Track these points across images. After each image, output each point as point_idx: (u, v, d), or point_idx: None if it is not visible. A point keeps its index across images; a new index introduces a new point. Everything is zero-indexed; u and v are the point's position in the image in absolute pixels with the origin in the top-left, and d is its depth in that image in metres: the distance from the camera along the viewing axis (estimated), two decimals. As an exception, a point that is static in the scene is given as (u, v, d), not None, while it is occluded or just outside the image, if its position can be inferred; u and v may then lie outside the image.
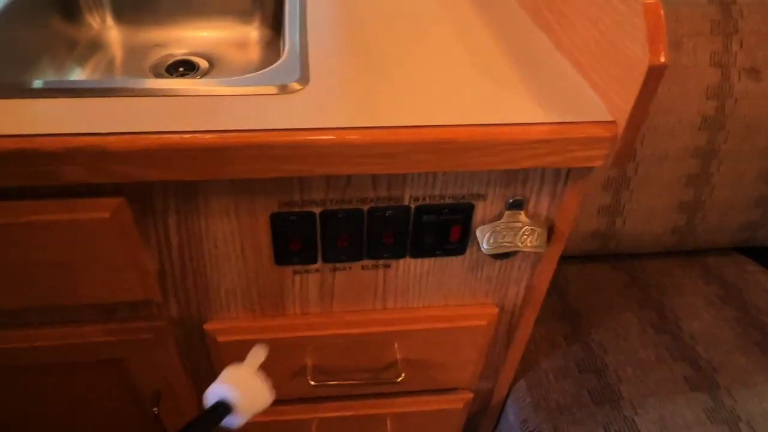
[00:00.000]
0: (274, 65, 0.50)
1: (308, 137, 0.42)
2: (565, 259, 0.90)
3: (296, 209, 0.49)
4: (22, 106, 0.43)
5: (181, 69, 0.72)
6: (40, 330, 0.57)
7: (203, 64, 0.73)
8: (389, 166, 0.44)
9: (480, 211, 0.52)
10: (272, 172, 0.43)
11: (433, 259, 0.56)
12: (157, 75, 0.70)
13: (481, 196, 0.51)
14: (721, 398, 0.69)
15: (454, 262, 0.56)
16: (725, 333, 0.78)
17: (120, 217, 0.46)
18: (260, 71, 0.49)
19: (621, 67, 0.44)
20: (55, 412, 0.67)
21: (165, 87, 0.46)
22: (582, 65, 0.50)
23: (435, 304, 0.60)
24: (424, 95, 0.47)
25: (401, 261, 0.55)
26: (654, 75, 0.41)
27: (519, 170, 0.50)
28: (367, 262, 0.55)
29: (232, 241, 0.51)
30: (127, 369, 0.60)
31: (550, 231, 0.54)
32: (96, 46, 0.73)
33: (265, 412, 0.69)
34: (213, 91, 0.46)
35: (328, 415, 0.71)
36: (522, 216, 0.52)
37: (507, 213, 0.52)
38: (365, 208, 0.50)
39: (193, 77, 0.71)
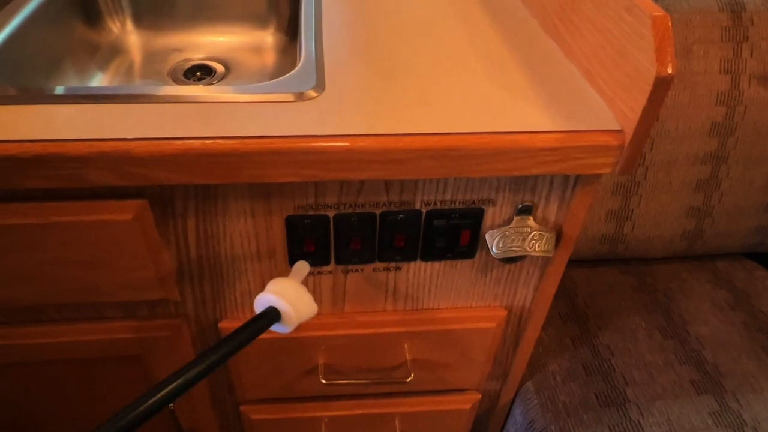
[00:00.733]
0: (290, 73, 0.51)
1: (323, 144, 0.44)
2: (573, 262, 0.91)
3: (311, 212, 0.51)
4: (50, 112, 0.45)
5: (198, 73, 0.74)
6: (62, 326, 0.58)
7: (220, 68, 0.74)
8: (401, 172, 0.46)
9: (490, 215, 0.53)
10: (289, 176, 0.45)
11: (443, 262, 0.57)
12: (175, 79, 0.72)
13: (491, 202, 0.52)
14: (728, 402, 0.70)
15: (463, 266, 0.58)
16: (733, 338, 0.79)
17: (141, 218, 0.48)
18: (277, 79, 0.50)
19: (629, 76, 0.45)
20: (74, 407, 0.69)
21: (187, 94, 0.48)
22: (591, 74, 0.51)
23: (445, 306, 0.62)
24: (436, 102, 0.48)
25: (412, 264, 0.57)
26: (661, 86, 0.42)
27: (528, 176, 0.51)
28: (378, 264, 0.56)
29: (248, 243, 0.53)
30: (145, 365, 0.62)
31: (559, 236, 0.55)
32: (116, 50, 0.75)
33: (277, 410, 0.71)
34: (233, 98, 0.48)
35: (338, 413, 0.72)
36: (531, 221, 0.54)
37: (516, 218, 0.53)
38: (378, 212, 0.52)
39: (210, 82, 0.72)
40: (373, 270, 0.57)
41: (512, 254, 0.54)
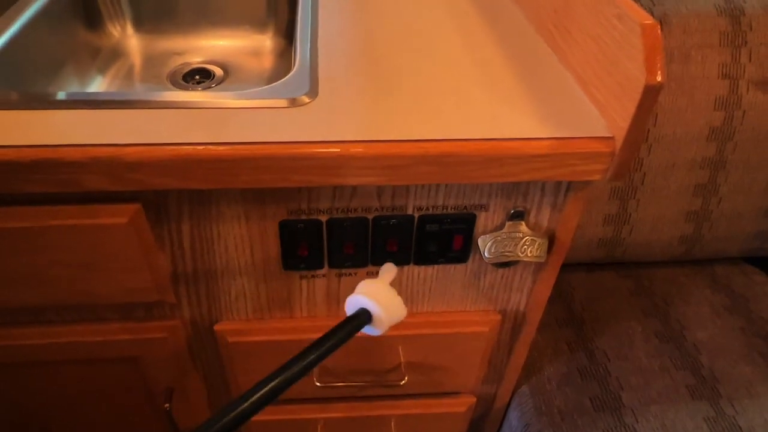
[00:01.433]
0: (284, 79, 0.52)
1: (315, 150, 0.44)
2: (570, 266, 0.91)
3: (304, 217, 0.51)
4: (47, 117, 0.46)
5: (197, 77, 0.74)
6: (60, 327, 0.59)
7: (218, 72, 0.75)
8: (393, 178, 0.46)
9: (482, 221, 0.54)
10: (281, 182, 0.45)
11: (436, 266, 0.57)
12: (174, 83, 0.73)
13: (483, 207, 0.53)
14: (723, 408, 0.70)
15: (456, 270, 0.58)
16: (730, 343, 0.79)
17: (136, 222, 0.48)
18: (271, 85, 0.51)
19: (619, 84, 0.45)
20: (72, 407, 0.70)
21: (181, 99, 0.48)
22: (584, 80, 0.52)
23: (438, 310, 0.62)
24: (429, 109, 0.49)
25: (405, 268, 0.57)
26: (650, 94, 0.42)
27: (520, 182, 0.51)
28: (372, 268, 0.57)
29: (242, 247, 0.53)
30: (141, 366, 0.63)
31: (551, 241, 0.55)
32: (117, 53, 0.76)
33: (273, 411, 0.72)
34: (227, 104, 0.48)
35: (334, 415, 0.73)
36: (523, 226, 0.54)
37: (508, 223, 0.54)
38: (370, 216, 0.52)
39: (209, 85, 0.73)
40: (367, 274, 0.57)
41: (504, 259, 0.54)
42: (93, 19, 0.75)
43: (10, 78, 0.57)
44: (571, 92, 0.52)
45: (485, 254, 0.54)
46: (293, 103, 0.49)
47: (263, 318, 0.60)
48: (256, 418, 0.72)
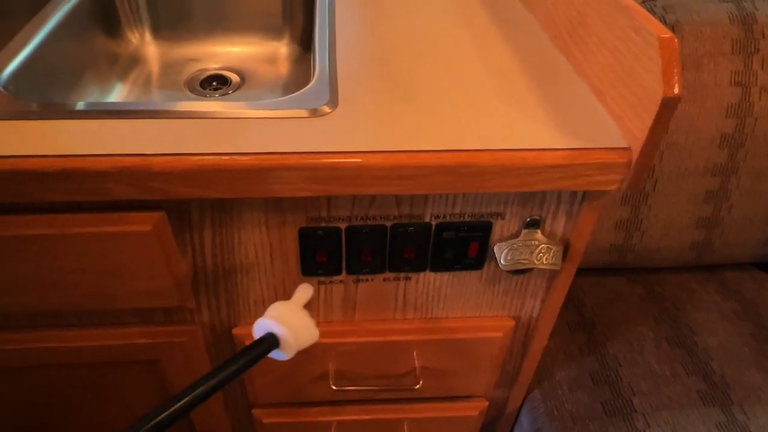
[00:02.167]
0: (304, 89, 0.52)
1: (336, 160, 0.45)
2: (582, 271, 0.91)
3: (323, 224, 0.52)
4: (73, 127, 0.47)
5: (214, 83, 0.75)
6: (81, 331, 0.60)
7: (235, 78, 0.76)
8: (411, 188, 0.47)
9: (498, 229, 0.54)
10: (302, 191, 0.46)
11: (452, 273, 0.58)
12: (192, 89, 0.74)
13: (500, 215, 0.53)
14: (734, 414, 0.70)
15: (472, 276, 0.59)
16: (741, 349, 0.79)
17: (160, 229, 0.49)
18: (292, 95, 0.52)
19: (636, 96, 0.46)
20: (91, 410, 0.71)
21: (204, 110, 0.49)
22: (599, 91, 0.52)
23: (453, 316, 0.63)
24: (447, 119, 0.49)
25: (422, 274, 0.58)
26: (668, 106, 0.43)
27: (536, 192, 0.52)
28: (389, 274, 0.58)
29: (262, 253, 0.54)
30: (160, 370, 0.64)
31: (566, 249, 0.56)
32: (135, 60, 0.77)
33: (288, 414, 0.73)
34: (249, 114, 0.49)
35: (348, 417, 0.74)
36: (539, 234, 0.55)
37: (524, 231, 0.54)
38: (388, 224, 0.53)
39: (226, 92, 0.74)
40: (384, 280, 0.58)
41: (520, 267, 0.55)
42: (112, 27, 0.76)
43: (33, 87, 0.58)
44: (587, 102, 0.52)
45: (501, 262, 0.54)
46: (314, 113, 0.49)
47: (280, 323, 0.61)
48: (269, 420, 0.73)
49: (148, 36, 0.78)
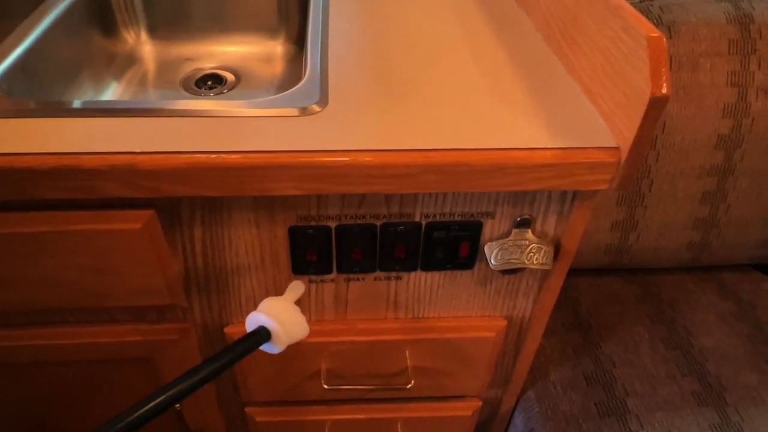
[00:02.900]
0: (295, 87, 0.53)
1: (325, 159, 0.45)
2: (577, 271, 0.91)
3: (313, 223, 0.52)
4: (65, 125, 0.47)
5: (209, 82, 0.76)
6: (75, 328, 0.61)
7: (230, 78, 0.76)
8: (401, 186, 0.47)
9: (488, 228, 0.54)
10: (291, 190, 0.46)
11: (443, 272, 0.58)
12: (187, 88, 0.74)
13: (490, 215, 0.53)
14: (729, 415, 0.70)
15: (463, 276, 0.59)
16: (737, 350, 0.79)
17: (150, 227, 0.50)
18: (282, 93, 0.52)
19: (626, 95, 0.46)
20: (85, 406, 0.72)
21: (194, 108, 0.49)
22: (591, 90, 0.52)
23: (445, 315, 0.63)
24: (437, 118, 0.50)
25: (412, 274, 0.58)
26: (656, 106, 0.42)
27: (527, 191, 0.52)
28: (379, 273, 0.58)
29: (252, 251, 0.54)
30: (153, 367, 0.64)
31: (557, 249, 0.56)
32: (131, 60, 0.77)
33: (281, 413, 0.73)
34: (239, 113, 0.49)
35: (341, 417, 0.74)
36: (529, 234, 0.55)
37: (515, 231, 0.54)
38: (378, 223, 0.53)
39: (221, 91, 0.74)
40: (375, 279, 0.58)
41: (510, 266, 0.55)
42: (108, 26, 0.76)
43: (28, 85, 0.58)
44: (578, 102, 0.52)
45: (492, 261, 0.54)
46: (304, 112, 0.50)
47: (272, 321, 0.62)
48: (262, 419, 0.73)
49: (144, 35, 0.79)
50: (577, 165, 0.47)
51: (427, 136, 0.47)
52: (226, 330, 0.61)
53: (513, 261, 0.55)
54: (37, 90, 0.60)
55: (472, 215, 0.53)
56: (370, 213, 0.52)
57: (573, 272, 0.91)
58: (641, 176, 0.80)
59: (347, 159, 0.45)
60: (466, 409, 0.74)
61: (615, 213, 0.83)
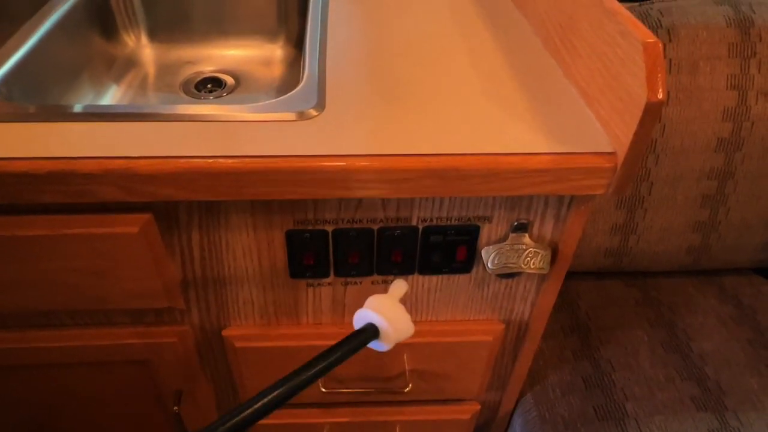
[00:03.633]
0: (293, 92, 0.53)
1: (321, 163, 0.45)
2: (577, 274, 0.91)
3: (310, 227, 0.53)
4: (63, 130, 0.47)
5: (209, 86, 0.76)
6: (73, 331, 0.61)
7: (230, 81, 0.77)
8: (397, 191, 0.47)
9: (485, 232, 0.54)
10: (288, 194, 0.47)
11: (440, 276, 0.58)
12: (187, 91, 0.75)
13: (487, 219, 0.53)
14: (728, 420, 0.70)
15: (460, 280, 0.59)
16: (736, 354, 0.78)
17: (147, 231, 0.50)
18: (280, 98, 0.52)
19: (622, 100, 0.46)
20: (83, 409, 0.72)
21: (192, 112, 0.50)
22: (588, 95, 0.52)
23: (442, 319, 0.63)
24: (434, 123, 0.50)
25: (410, 277, 0.58)
26: (652, 111, 0.42)
27: (523, 195, 0.52)
28: (377, 277, 0.58)
29: (250, 255, 0.55)
30: (151, 369, 0.65)
31: (554, 253, 0.56)
32: (131, 63, 0.78)
33: (279, 415, 0.73)
34: (236, 117, 0.49)
35: (340, 419, 0.74)
36: (526, 238, 0.54)
37: (512, 235, 0.54)
38: (375, 227, 0.53)
39: (220, 94, 0.75)
40: (372, 283, 0.58)
41: (508, 270, 0.55)
42: (108, 29, 0.77)
43: (27, 89, 0.58)
44: (575, 106, 0.52)
45: (489, 265, 0.54)
46: (301, 116, 0.50)
47: (270, 324, 0.62)
48: (262, 420, 0.73)
49: (144, 38, 0.79)
50: (573, 170, 0.47)
51: (423, 140, 0.48)
52: (224, 333, 0.61)
53: (510, 265, 0.55)
54: (36, 93, 0.60)
55: (469, 219, 0.53)
56: (367, 217, 0.52)
57: (572, 275, 0.91)
58: (641, 179, 0.80)
59: (344, 164, 0.46)
60: (465, 413, 0.74)
61: (614, 216, 0.83)
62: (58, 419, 0.73)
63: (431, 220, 0.53)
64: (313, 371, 0.42)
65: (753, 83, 0.77)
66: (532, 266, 0.54)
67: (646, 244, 0.85)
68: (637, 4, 0.80)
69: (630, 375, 0.76)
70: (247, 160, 0.45)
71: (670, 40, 0.75)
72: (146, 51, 0.79)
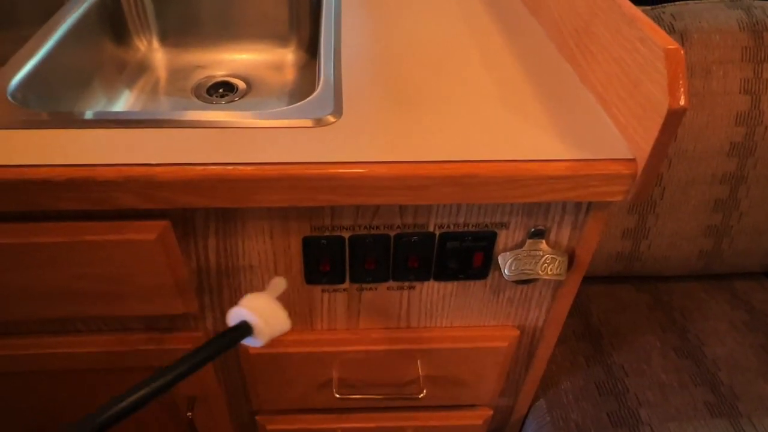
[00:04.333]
0: (309, 98, 0.53)
1: (339, 170, 0.45)
2: (588, 279, 0.91)
3: (327, 233, 0.52)
4: (80, 136, 0.47)
5: (221, 90, 0.76)
6: (87, 337, 0.61)
7: (242, 85, 0.77)
8: (415, 198, 0.47)
9: (502, 238, 0.54)
10: (306, 201, 0.46)
11: (456, 282, 0.58)
12: (199, 96, 0.75)
13: (504, 225, 0.53)
14: (743, 426, 0.70)
15: (476, 286, 0.58)
16: (749, 359, 0.78)
17: (164, 238, 0.50)
18: (296, 104, 0.52)
19: (642, 107, 0.45)
20: (98, 412, 0.72)
21: (208, 119, 0.49)
22: (605, 100, 0.52)
23: (457, 325, 0.63)
24: (451, 129, 0.49)
25: (425, 283, 0.58)
26: (673, 118, 0.42)
27: (541, 202, 0.51)
28: (392, 283, 0.58)
29: (266, 261, 0.54)
30: (166, 376, 0.64)
31: (571, 259, 0.56)
32: (143, 67, 0.78)
33: (292, 421, 0.73)
34: (253, 124, 0.49)
35: (352, 425, 0.74)
36: (543, 245, 0.54)
37: (529, 241, 0.54)
38: (392, 233, 0.53)
39: (232, 99, 0.75)
40: (387, 288, 0.58)
41: (524, 277, 0.55)
42: (120, 34, 0.77)
43: (42, 95, 0.58)
44: (593, 113, 0.52)
45: (505, 272, 0.54)
46: (318, 123, 0.49)
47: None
48: (273, 427, 0.73)
49: (155, 43, 0.79)
50: (592, 177, 0.47)
51: (440, 147, 0.47)
52: (238, 339, 0.61)
53: (527, 271, 0.54)
54: (50, 99, 0.60)
55: (486, 226, 0.53)
56: (384, 223, 0.52)
57: (584, 280, 0.90)
58: (650, 192, 0.80)
59: (363, 171, 0.45)
60: (477, 418, 0.74)
61: (626, 221, 0.83)
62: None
63: (448, 226, 0.53)
64: (186, 366, 0.42)
65: (766, 87, 0.76)
66: (549, 272, 0.54)
67: (657, 249, 0.85)
68: (649, 8, 0.80)
69: (643, 380, 0.75)
70: (265, 167, 0.45)
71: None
72: (158, 55, 0.79)
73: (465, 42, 0.63)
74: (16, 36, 0.62)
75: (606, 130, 0.50)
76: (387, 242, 0.53)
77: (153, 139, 0.47)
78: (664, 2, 0.80)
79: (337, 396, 0.65)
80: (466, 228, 0.53)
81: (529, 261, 0.54)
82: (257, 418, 0.72)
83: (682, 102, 0.42)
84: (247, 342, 0.46)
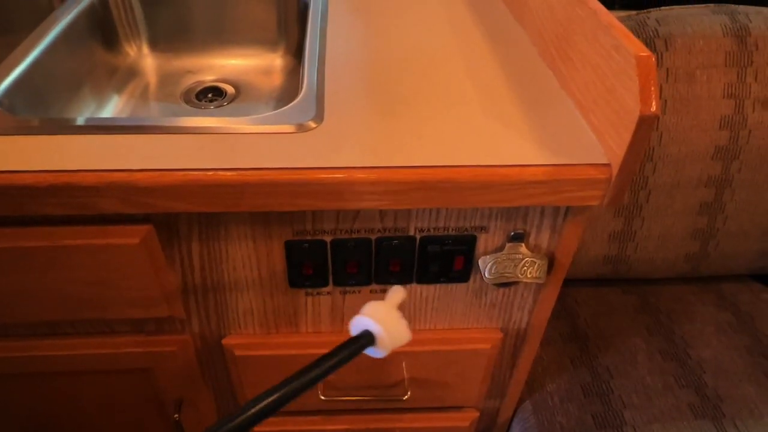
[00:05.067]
0: (291, 104, 0.53)
1: (320, 176, 0.46)
2: (576, 281, 0.91)
3: (309, 237, 0.53)
4: (64, 142, 0.48)
5: (210, 95, 0.77)
6: (75, 340, 0.61)
7: (230, 90, 0.77)
8: (395, 203, 0.48)
9: (482, 242, 0.55)
10: (286, 206, 0.47)
11: (438, 285, 0.59)
12: (188, 101, 0.75)
13: (484, 229, 0.54)
14: (726, 427, 0.70)
15: (458, 289, 0.59)
16: (735, 362, 0.79)
17: (148, 242, 0.50)
18: (279, 110, 0.53)
19: (616, 113, 0.46)
20: (85, 416, 0.72)
21: (191, 125, 0.50)
22: (583, 106, 0.53)
23: (440, 328, 0.63)
24: (431, 134, 0.50)
25: (407, 286, 0.58)
26: (645, 124, 0.43)
27: (519, 206, 0.52)
28: (375, 286, 0.58)
29: (249, 265, 0.55)
30: (152, 378, 0.65)
31: (551, 262, 0.56)
32: (133, 72, 0.78)
33: (279, 423, 0.73)
34: (236, 129, 0.50)
35: (339, 427, 0.74)
36: (523, 248, 0.55)
37: (508, 245, 0.55)
38: (373, 237, 0.54)
39: (221, 103, 0.75)
40: (370, 291, 0.59)
41: (505, 280, 0.55)
42: (110, 40, 0.77)
43: (30, 101, 0.59)
44: (571, 118, 0.53)
45: (486, 275, 0.55)
46: (300, 128, 0.50)
47: (269, 333, 0.62)
48: (260, 428, 0.73)
49: (145, 49, 0.80)
50: (568, 182, 0.47)
51: (420, 152, 0.48)
52: (224, 341, 0.62)
53: (507, 275, 0.55)
54: (39, 105, 0.61)
55: (465, 229, 0.54)
56: (364, 227, 0.53)
57: (571, 283, 0.91)
58: (638, 187, 0.81)
59: (342, 176, 0.46)
60: (463, 420, 0.75)
61: (612, 224, 0.83)
62: (59, 427, 0.74)
63: (428, 230, 0.53)
64: (309, 377, 0.42)
65: (750, 92, 0.77)
66: (528, 276, 0.55)
67: (644, 252, 0.86)
68: (634, 12, 0.81)
69: (628, 382, 0.76)
70: (246, 172, 0.46)
71: (666, 49, 0.76)
72: (147, 61, 0.80)
73: (450, 48, 0.64)
74: (5, 42, 0.63)
75: (583, 136, 0.51)
76: (368, 246, 0.54)
77: (136, 145, 0.48)
78: (650, 7, 0.81)
79: (323, 398, 0.66)
80: (446, 232, 0.54)
81: (509, 264, 0.55)
82: (245, 419, 0.73)
83: (653, 108, 0.42)
84: (369, 352, 0.46)
